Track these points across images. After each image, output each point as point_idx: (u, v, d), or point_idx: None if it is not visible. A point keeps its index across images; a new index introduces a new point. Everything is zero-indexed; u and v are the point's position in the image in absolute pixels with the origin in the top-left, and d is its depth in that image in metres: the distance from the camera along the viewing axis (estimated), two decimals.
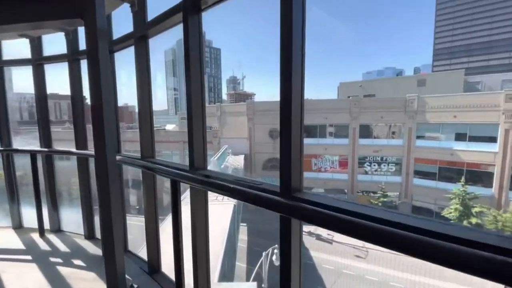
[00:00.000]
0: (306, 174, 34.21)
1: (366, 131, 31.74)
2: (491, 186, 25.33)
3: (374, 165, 31.67)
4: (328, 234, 26.22)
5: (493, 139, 25.24)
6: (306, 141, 33.01)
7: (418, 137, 29.68)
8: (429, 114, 28.56)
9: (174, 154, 33.58)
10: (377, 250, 23.58)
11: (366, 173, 31.96)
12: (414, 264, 21.32)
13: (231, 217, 13.18)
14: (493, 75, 43.29)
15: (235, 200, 15.42)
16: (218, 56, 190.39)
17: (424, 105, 28.75)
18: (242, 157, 31.39)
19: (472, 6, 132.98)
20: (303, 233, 25.91)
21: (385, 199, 27.21)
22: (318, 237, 25.89)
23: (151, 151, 3.39)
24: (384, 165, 31.35)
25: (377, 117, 30.91)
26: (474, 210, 23.29)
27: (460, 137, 27.20)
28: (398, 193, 30.66)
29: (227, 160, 26.98)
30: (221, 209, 14.08)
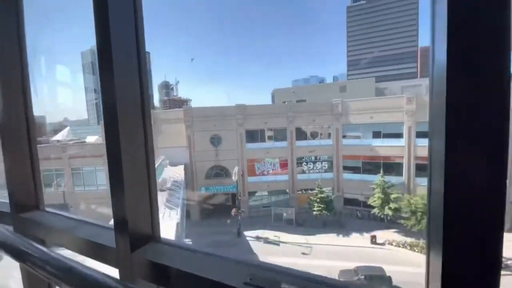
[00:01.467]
0: (250, 179, 34.44)
1: (301, 134, 34.04)
2: (402, 175, 30.27)
3: (310, 164, 34.17)
4: (275, 236, 26.77)
5: (400, 135, 30.24)
6: (249, 146, 33.30)
7: (344, 137, 33.37)
8: (351, 116, 32.47)
9: (98, 170, 29.09)
10: (320, 245, 25.21)
11: (304, 172, 34.17)
12: (355, 253, 23.57)
13: (174, 236, 11.89)
14: (395, 82, 52.81)
15: (178, 218, 14.08)
16: (148, 60, 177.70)
17: (347, 108, 32.55)
18: (181, 167, 29.45)
19: (376, 25, 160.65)
20: (251, 238, 25.84)
21: (322, 195, 29.48)
22: (266, 241, 26.17)
23: (35, 195, 1.77)
24: (319, 164, 34.13)
25: (309, 120, 33.54)
26: (392, 196, 27.32)
27: (376, 135, 31.70)
28: (331, 188, 33.74)
29: (164, 173, 24.83)
30: (162, 229, 12.59)
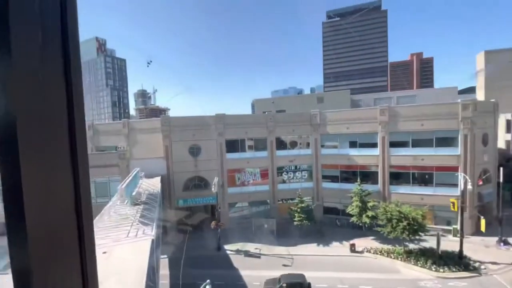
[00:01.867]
0: (231, 190, 33.88)
1: (281, 143, 34.31)
2: (377, 183, 31.36)
3: (291, 174, 34.37)
4: (256, 248, 26.22)
5: (375, 145, 31.51)
6: (230, 156, 32.83)
7: (323, 146, 34.13)
8: (329, 126, 33.39)
9: (112, 181, 27.45)
10: (301, 255, 25.04)
11: (284, 182, 34.25)
12: (336, 262, 23.65)
13: (149, 254, 11.12)
14: (369, 94, 55.53)
15: (153, 234, 13.26)
16: (123, 67, 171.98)
17: (324, 119, 33.47)
18: (158, 179, 28.21)
19: (349, 41, 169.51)
20: (231, 252, 25.09)
21: (302, 205, 29.59)
22: (247, 254, 25.52)
23: None
24: (299, 173, 34.44)
25: (289, 130, 34.00)
26: (369, 204, 28.09)
27: (352, 144, 32.76)
28: (311, 197, 34.05)
29: (139, 185, 23.57)
30: (135, 248, 11.75)
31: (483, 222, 23.85)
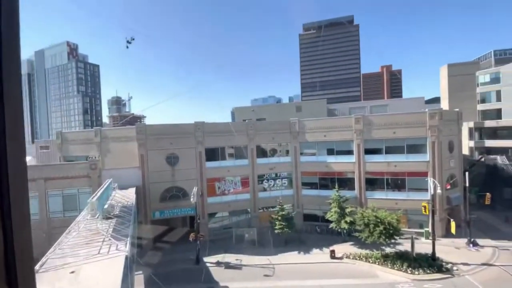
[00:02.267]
0: (210, 199, 33.02)
1: (262, 151, 34.32)
2: (354, 189, 32.27)
3: (271, 182, 34.36)
4: (237, 259, 25.57)
5: (351, 152, 32.56)
6: (209, 164, 32.11)
7: (302, 154, 34.64)
8: (307, 134, 34.07)
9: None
10: (282, 264, 24.78)
11: (265, 190, 34.11)
12: (316, 270, 23.63)
13: (122, 272, 10.31)
14: (344, 104, 57.81)
15: (127, 250, 12.40)
16: (97, 73, 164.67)
17: (303, 127, 34.12)
18: (132, 190, 26.79)
19: (325, 52, 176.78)
20: (211, 264, 24.20)
21: (283, 213, 29.54)
22: (228, 266, 24.78)
23: None
24: (279, 181, 34.54)
25: (269, 138, 34.18)
26: (347, 210, 28.73)
27: (330, 152, 33.62)
28: (291, 205, 34.18)
29: (112, 197, 22.19)
30: (107, 265, 10.88)
31: (453, 224, 25.24)
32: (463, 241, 27.08)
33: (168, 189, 30.53)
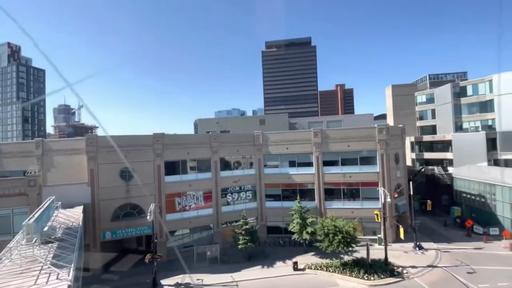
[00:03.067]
0: (170, 216, 31.25)
1: (225, 164, 33.84)
2: (314, 199, 33.50)
3: (235, 195, 33.89)
4: (198, 279, 24.22)
5: (310, 164, 34.00)
6: (169, 178, 30.43)
7: (265, 166, 35.10)
8: (271, 147, 34.80)
9: (17, 214, 21.06)
10: (246, 281, 24.15)
11: (228, 203, 33.43)
12: (280, 283, 23.45)
13: None
14: (303, 118, 60.78)
15: (70, 279, 10.92)
16: (41, 78, 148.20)
17: (267, 140, 34.80)
18: (79, 209, 24.02)
19: (286, 69, 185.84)
20: (169, 287, 22.51)
21: (247, 226, 29.13)
22: (188, 286, 23.28)
23: None
24: (243, 194, 34.25)
25: (234, 150, 34.01)
26: (308, 221, 29.54)
27: (292, 164, 34.68)
28: (255, 218, 34.00)
29: (54, 218, 19.61)
30: None
31: (401, 230, 27.52)
32: (410, 245, 29.65)
33: (121, 207, 28.02)
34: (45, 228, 16.45)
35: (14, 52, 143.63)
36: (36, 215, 14.46)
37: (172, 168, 30.81)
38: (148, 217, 22.88)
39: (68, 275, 11.18)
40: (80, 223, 19.74)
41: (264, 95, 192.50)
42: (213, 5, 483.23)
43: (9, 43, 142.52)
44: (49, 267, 11.84)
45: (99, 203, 27.09)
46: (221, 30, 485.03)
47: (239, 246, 28.30)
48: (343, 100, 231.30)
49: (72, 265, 12.23)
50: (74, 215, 21.57)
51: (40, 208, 16.16)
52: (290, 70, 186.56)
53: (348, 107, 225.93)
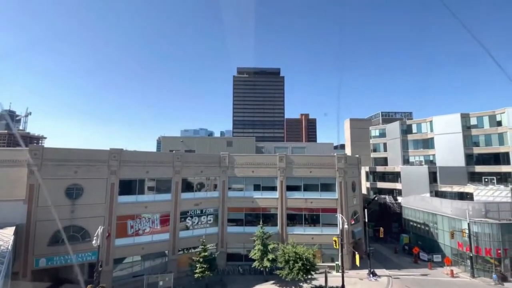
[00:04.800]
0: (119, 241, 28.26)
1: (188, 185, 32.40)
2: (277, 225, 33.37)
3: (195, 219, 32.20)
4: None
5: (274, 188, 34.30)
6: (123, 199, 27.91)
7: (230, 189, 34.41)
8: (237, 169, 34.52)
9: None
10: None
11: (187, 228, 31.50)
12: None
13: None
14: (270, 142, 62.26)
15: None
16: None
17: (233, 162, 34.55)
18: (11, 229, 20.63)
19: (255, 95, 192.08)
20: None
21: (205, 253, 27.50)
22: None
23: None
24: (204, 218, 32.72)
25: (198, 171, 32.91)
26: (269, 247, 29.06)
27: (257, 187, 34.60)
28: (215, 244, 32.42)
29: None
30: None
31: (357, 257, 28.51)
32: (365, 272, 30.67)
33: (64, 229, 24.57)
34: None
35: None
36: None
37: (128, 187, 28.47)
38: (94, 242, 20.42)
39: None
40: (9, 247, 16.81)
41: (233, 118, 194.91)
42: (187, 21, 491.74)
43: None
44: None
45: (36, 224, 23.55)
46: (193, 49, 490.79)
47: (196, 275, 26.40)
48: (307, 128, 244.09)
49: None
50: (3, 237, 18.36)
51: None
52: (259, 96, 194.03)
53: (311, 135, 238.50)
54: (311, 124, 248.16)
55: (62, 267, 25.60)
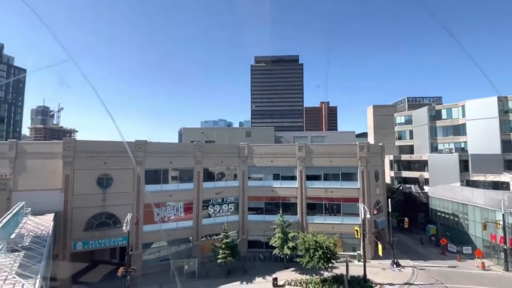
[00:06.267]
0: (147, 227, 30.03)
1: (209, 174, 33.34)
2: (296, 214, 33.53)
3: (217, 207, 33.25)
4: None
5: (294, 178, 34.27)
6: (149, 188, 29.44)
7: (249, 178, 34.93)
8: (256, 159, 34.85)
9: None
10: None
11: (209, 216, 32.68)
12: None
13: None
14: (289, 132, 61.77)
15: None
16: (22, 78, 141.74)
17: (252, 152, 34.87)
18: (50, 216, 22.63)
19: (273, 84, 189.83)
20: None
21: (227, 240, 28.46)
22: None
23: None
24: (225, 206, 33.69)
25: (218, 161, 33.69)
26: (290, 235, 29.37)
27: (276, 177, 34.78)
28: (236, 231, 33.38)
29: (22, 225, 18.35)
30: None
31: (380, 246, 27.98)
32: (388, 262, 30.12)
33: (96, 216, 26.63)
34: (13, 236, 15.37)
35: None
36: (4, 221, 13.58)
37: (153, 177, 29.94)
38: (124, 228, 21.85)
39: (34, 287, 10.39)
40: (50, 232, 18.53)
41: (251, 108, 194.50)
42: (205, 15, 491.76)
43: None
44: (14, 277, 10.97)
45: (72, 211, 25.63)
46: (212, 42, 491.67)
47: (219, 261, 27.50)
48: (327, 117, 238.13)
49: (39, 276, 11.38)
50: (44, 223, 20.24)
51: (8, 214, 15.23)
52: (277, 85, 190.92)
53: (332, 124, 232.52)
54: (332, 113, 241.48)
55: (97, 250, 27.84)
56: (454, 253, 33.65)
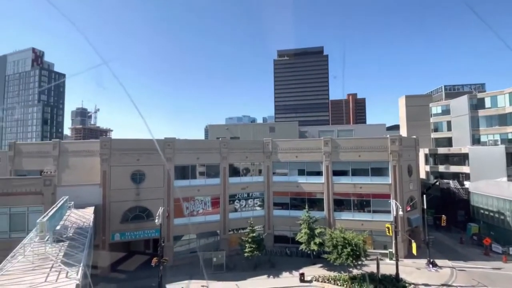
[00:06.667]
0: (177, 221, 31.43)
1: (234, 170, 33.89)
2: (323, 210, 32.87)
3: (243, 202, 33.77)
4: (202, 286, 24.04)
5: (320, 173, 33.54)
6: (178, 183, 30.74)
7: (274, 174, 34.89)
8: (280, 154, 34.65)
9: (32, 212, 22.50)
10: None
11: (236, 210, 33.31)
12: None
13: None
14: (314, 127, 60.37)
15: (79, 278, 11.10)
16: (62, 82, 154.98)
17: (276, 147, 34.72)
18: (90, 209, 24.60)
19: (297, 78, 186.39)
20: None
21: (254, 234, 28.83)
22: None
23: None
24: (251, 201, 34.08)
25: (243, 157, 34.07)
26: (316, 231, 28.93)
27: (301, 172, 34.32)
28: (262, 226, 33.66)
29: (66, 217, 20.14)
30: None
31: (414, 245, 26.50)
32: (423, 261, 28.44)
33: (131, 209, 28.45)
34: (58, 227, 16.90)
35: (37, 57, 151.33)
36: (50, 214, 14.93)
37: (182, 172, 31.17)
38: (156, 221, 23.10)
39: (77, 274, 11.39)
40: (91, 224, 20.17)
41: (275, 103, 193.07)
42: (226, 12, 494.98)
43: (33, 49, 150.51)
44: (59, 265, 12.12)
45: (110, 204, 27.63)
46: (236, 40, 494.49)
47: (245, 254, 28.00)
48: (354, 109, 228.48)
49: (81, 264, 12.46)
50: (86, 215, 22.08)
51: (54, 207, 16.69)
52: (301, 78, 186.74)
53: (360, 117, 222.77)
54: (360, 105, 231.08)
55: (132, 241, 29.78)
56: (499, 254, 30.82)
